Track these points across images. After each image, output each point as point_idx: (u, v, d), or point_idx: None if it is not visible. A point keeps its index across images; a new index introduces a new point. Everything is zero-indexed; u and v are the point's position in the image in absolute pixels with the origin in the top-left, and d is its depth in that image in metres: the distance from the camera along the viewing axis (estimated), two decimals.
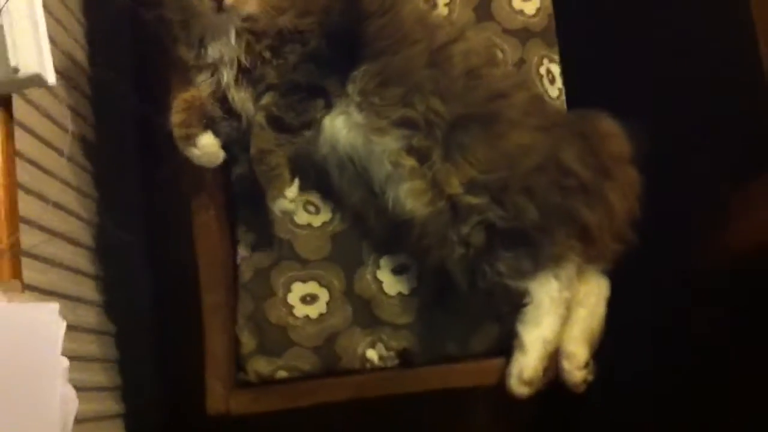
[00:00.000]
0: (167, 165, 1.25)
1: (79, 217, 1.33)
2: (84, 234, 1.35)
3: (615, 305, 1.23)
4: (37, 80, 0.96)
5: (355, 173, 1.22)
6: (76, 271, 1.32)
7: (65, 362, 0.90)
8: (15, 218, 0.97)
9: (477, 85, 1.20)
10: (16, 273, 0.96)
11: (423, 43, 1.21)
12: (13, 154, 0.99)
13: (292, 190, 1.18)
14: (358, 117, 1.20)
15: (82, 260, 1.35)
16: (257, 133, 1.18)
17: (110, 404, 1.42)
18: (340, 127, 1.20)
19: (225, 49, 1.17)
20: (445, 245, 1.19)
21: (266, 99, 1.19)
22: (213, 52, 1.18)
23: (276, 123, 1.18)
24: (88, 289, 1.35)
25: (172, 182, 1.28)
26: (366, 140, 1.20)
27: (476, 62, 1.23)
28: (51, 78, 0.97)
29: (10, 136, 0.99)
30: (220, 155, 1.19)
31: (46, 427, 0.88)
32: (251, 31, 1.17)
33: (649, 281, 1.35)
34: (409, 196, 1.19)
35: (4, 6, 0.91)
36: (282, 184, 1.17)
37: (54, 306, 0.91)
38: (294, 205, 1.20)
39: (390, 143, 1.18)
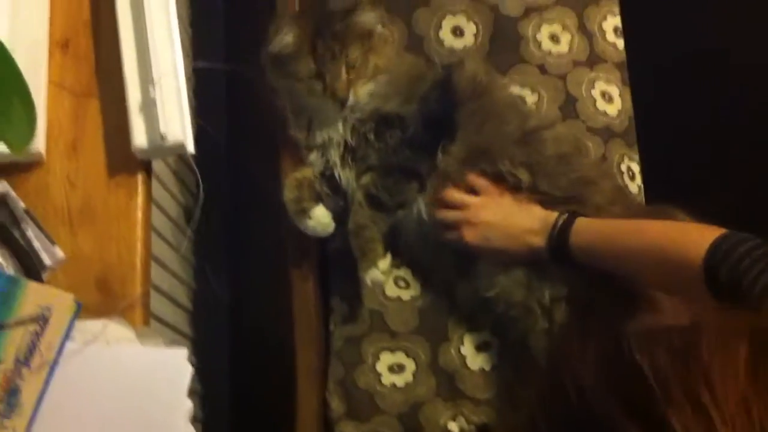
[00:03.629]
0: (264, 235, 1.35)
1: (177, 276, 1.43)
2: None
3: None
4: (179, 148, 1.07)
5: (439, 247, 1.30)
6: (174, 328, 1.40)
7: (189, 403, 0.98)
8: (148, 272, 1.07)
9: (567, 171, 1.29)
10: (146, 320, 1.05)
11: (515, 124, 1.30)
12: (149, 212, 1.10)
13: (385, 263, 1.27)
14: None
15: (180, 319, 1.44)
16: (356, 209, 1.28)
17: None
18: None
19: (333, 132, 1.28)
20: (529, 316, 1.25)
21: (366, 178, 1.28)
22: (321, 134, 1.29)
23: (373, 201, 1.27)
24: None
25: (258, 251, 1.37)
26: None
27: (567, 149, 1.32)
28: (191, 147, 1.09)
29: (149, 196, 1.10)
30: (332, 225, 1.29)
31: None
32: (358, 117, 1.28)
33: None
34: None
35: (158, 82, 1.03)
36: (375, 257, 1.26)
37: (183, 351, 0.99)
38: (385, 276, 1.28)
39: None
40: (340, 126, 1.28)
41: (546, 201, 1.26)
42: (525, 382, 1.30)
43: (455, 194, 1.28)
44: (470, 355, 1.33)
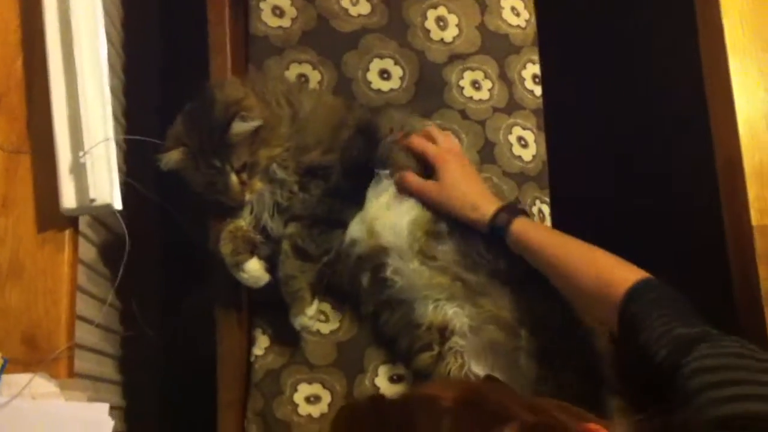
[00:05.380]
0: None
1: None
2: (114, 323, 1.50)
3: None
4: (107, 208, 1.13)
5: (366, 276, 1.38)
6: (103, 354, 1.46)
7: None
8: (73, 326, 1.12)
9: None
10: (71, 372, 1.11)
11: None
12: (76, 267, 1.15)
13: (312, 309, 1.34)
14: None
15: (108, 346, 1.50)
16: (284, 260, 1.33)
17: None
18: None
19: (260, 199, 1.34)
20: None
21: (291, 228, 1.34)
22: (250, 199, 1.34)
23: (299, 252, 1.33)
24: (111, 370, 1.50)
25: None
26: None
27: None
28: (118, 205, 1.14)
29: (76, 251, 1.15)
30: (265, 278, 1.34)
31: None
32: (282, 166, 1.33)
33: None
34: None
35: (88, 150, 1.08)
36: (304, 305, 1.33)
37: (104, 406, 1.06)
38: (312, 321, 1.36)
39: None
40: (267, 195, 1.34)
41: None
42: None
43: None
44: (384, 386, 1.41)
